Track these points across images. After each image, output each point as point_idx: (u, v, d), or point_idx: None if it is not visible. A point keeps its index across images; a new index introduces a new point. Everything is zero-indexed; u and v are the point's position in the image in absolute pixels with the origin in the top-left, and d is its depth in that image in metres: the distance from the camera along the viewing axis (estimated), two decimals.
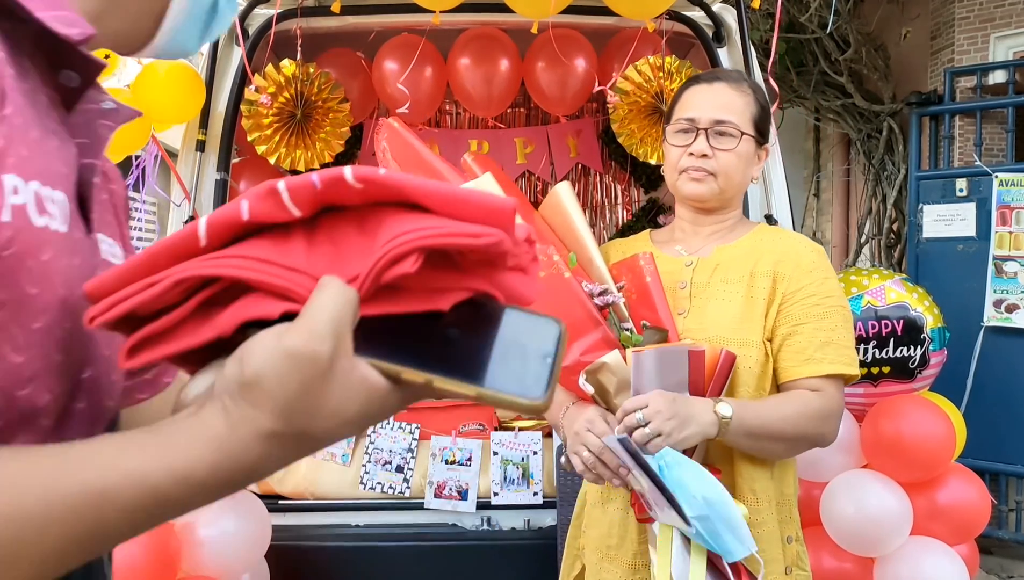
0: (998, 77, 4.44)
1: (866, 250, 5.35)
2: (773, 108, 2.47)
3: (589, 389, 1.36)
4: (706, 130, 1.47)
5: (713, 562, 1.25)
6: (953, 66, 4.59)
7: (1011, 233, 4.11)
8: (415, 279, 0.48)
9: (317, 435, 0.50)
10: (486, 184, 1.52)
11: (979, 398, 4.13)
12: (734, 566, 1.24)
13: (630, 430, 1.25)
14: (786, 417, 1.36)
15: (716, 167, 1.48)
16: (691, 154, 1.48)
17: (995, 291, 4.13)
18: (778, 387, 1.44)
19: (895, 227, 5.12)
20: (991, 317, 4.14)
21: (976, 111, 4.42)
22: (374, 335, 0.49)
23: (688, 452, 1.31)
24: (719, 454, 1.40)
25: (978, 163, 4.24)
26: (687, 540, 1.26)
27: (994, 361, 4.12)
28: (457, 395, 0.48)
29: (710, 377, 1.34)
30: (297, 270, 0.49)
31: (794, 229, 2.74)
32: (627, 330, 1.42)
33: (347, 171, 0.49)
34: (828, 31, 4.53)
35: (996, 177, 4.09)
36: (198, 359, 0.51)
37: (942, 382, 4.01)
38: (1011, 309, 4.12)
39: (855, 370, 1.43)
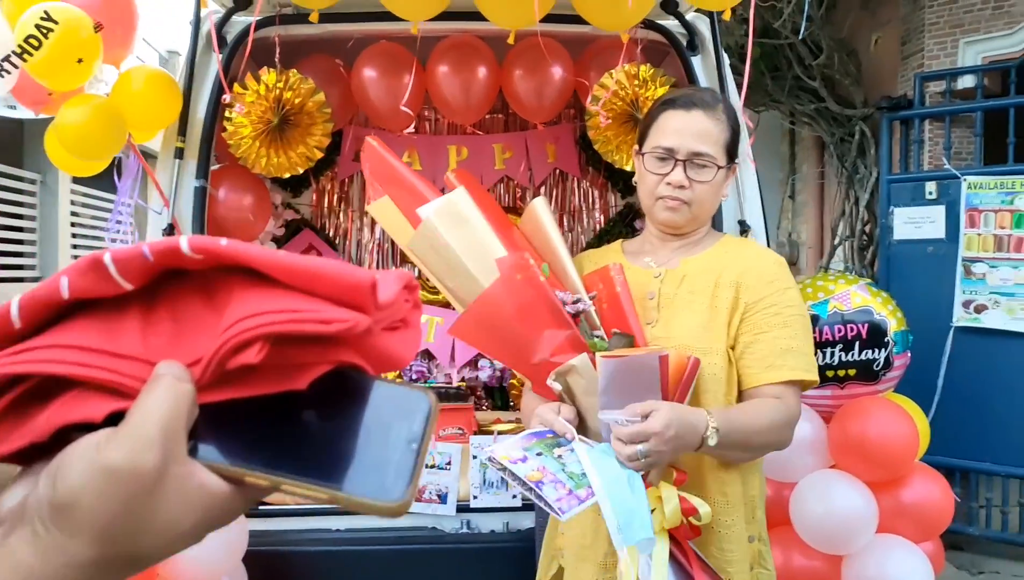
0: (967, 82, 4.52)
1: (840, 252, 5.43)
2: (744, 117, 2.53)
3: (557, 387, 1.42)
4: (684, 161, 1.52)
5: (674, 554, 1.31)
6: (923, 71, 4.66)
7: (979, 235, 4.19)
8: (274, 360, 0.42)
9: (147, 555, 0.43)
10: (458, 199, 1.56)
11: (949, 397, 4.22)
12: (696, 560, 1.29)
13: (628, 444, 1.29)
14: (760, 429, 1.42)
15: (691, 197, 1.53)
16: (669, 184, 1.53)
17: (964, 292, 4.22)
18: (740, 392, 1.50)
19: (868, 229, 5.20)
20: (960, 317, 4.22)
21: (945, 115, 4.49)
22: (216, 427, 0.43)
23: None
24: (687, 459, 1.46)
25: (947, 166, 4.33)
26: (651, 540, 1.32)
27: (964, 361, 4.21)
28: (309, 498, 0.43)
29: (676, 382, 1.39)
30: (129, 357, 0.43)
31: (767, 232, 2.80)
32: (598, 337, 1.48)
33: (183, 241, 0.43)
34: (801, 37, 4.59)
35: (965, 180, 4.18)
36: (23, 456, 0.43)
37: (913, 382, 4.10)
38: (980, 309, 4.20)
39: (814, 376, 1.49)
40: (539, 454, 1.32)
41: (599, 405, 1.37)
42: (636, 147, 1.67)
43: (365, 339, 0.44)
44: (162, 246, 0.43)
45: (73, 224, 8.88)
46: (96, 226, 9.78)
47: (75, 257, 8.94)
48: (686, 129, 1.54)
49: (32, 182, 8.16)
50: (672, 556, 1.32)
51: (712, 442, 1.32)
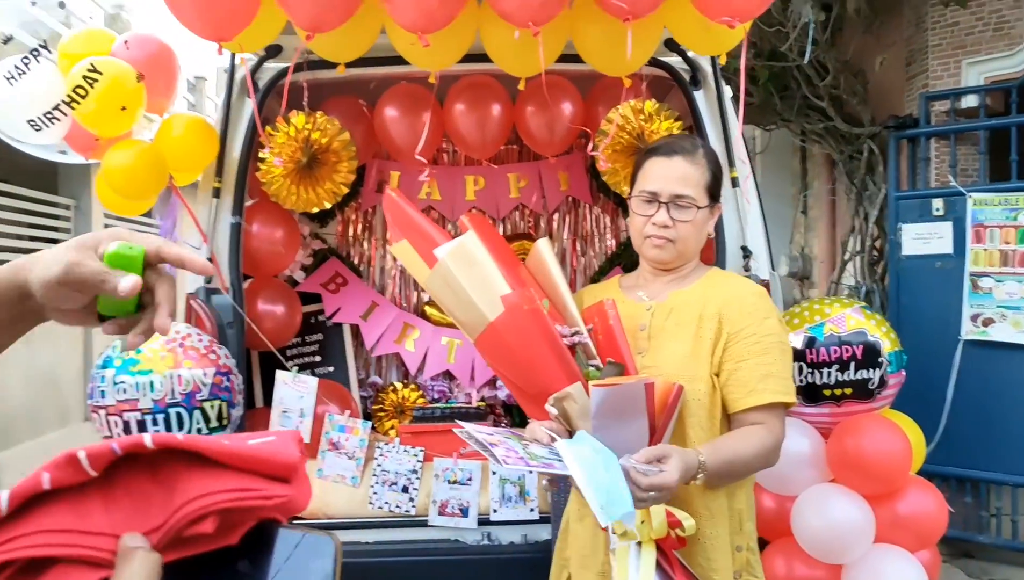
0: (971, 101, 4.61)
1: (850, 266, 5.53)
2: (740, 122, 2.68)
3: (554, 412, 1.59)
4: (667, 203, 1.69)
5: (660, 563, 1.46)
6: (928, 91, 4.76)
7: (986, 250, 4.29)
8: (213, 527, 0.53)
9: None
10: (469, 242, 1.74)
11: (959, 408, 4.30)
12: (680, 569, 1.45)
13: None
14: (746, 462, 1.59)
15: (676, 235, 1.70)
16: (654, 224, 1.70)
17: (972, 306, 4.31)
18: (728, 417, 1.65)
19: (877, 244, 5.29)
20: (969, 331, 4.31)
21: (951, 134, 4.58)
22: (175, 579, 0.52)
23: None
24: None
25: (953, 184, 4.42)
26: (639, 546, 1.47)
27: (973, 373, 4.29)
28: None
29: (661, 408, 1.56)
30: (98, 533, 0.51)
31: (772, 256, 2.94)
32: (594, 366, 1.65)
33: (147, 438, 0.53)
34: (806, 60, 4.72)
35: (970, 197, 4.27)
36: None
37: (923, 394, 4.23)
38: (987, 323, 4.29)
39: (792, 398, 1.65)
40: (507, 438, 1.50)
41: (591, 427, 1.54)
42: (628, 191, 1.84)
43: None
44: (129, 442, 0.53)
45: None
46: None
47: None
48: (668, 174, 1.71)
49: (66, 208, 8.43)
50: (658, 565, 1.47)
51: (700, 479, 1.48)
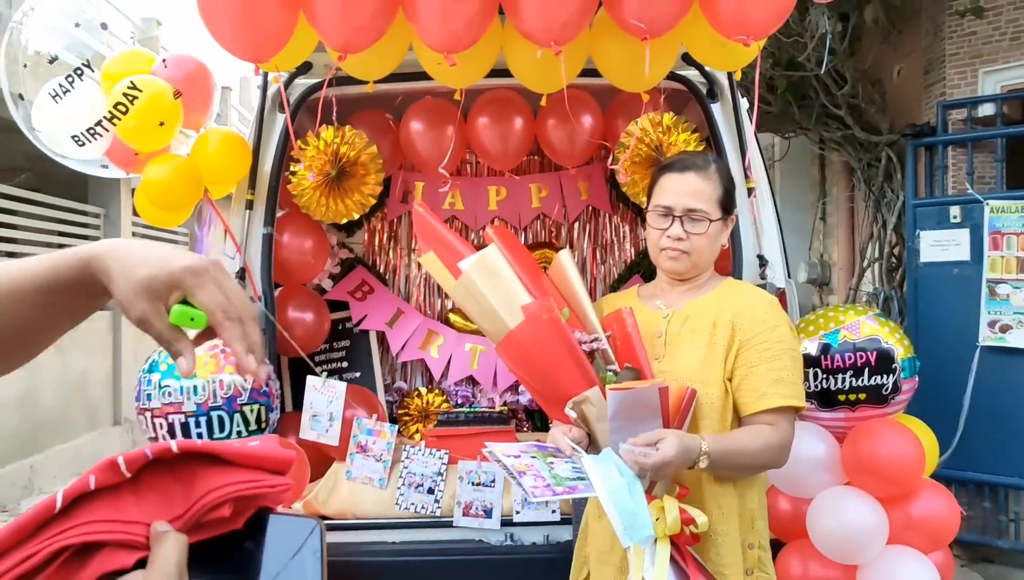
0: (987, 110, 4.65)
1: (869, 272, 5.56)
2: (754, 133, 2.75)
3: (573, 415, 1.67)
4: (680, 217, 1.78)
5: (675, 558, 1.55)
6: (945, 99, 4.81)
7: (1003, 257, 4.32)
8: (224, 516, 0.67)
9: None
10: (491, 254, 1.83)
11: (977, 414, 4.33)
12: (693, 563, 1.53)
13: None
14: (750, 453, 1.66)
15: (689, 247, 1.79)
16: (669, 237, 1.78)
17: (989, 312, 4.34)
18: (740, 420, 1.73)
19: (896, 251, 5.32)
20: (986, 337, 4.34)
21: (968, 142, 4.62)
22: (196, 557, 0.64)
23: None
24: (688, 475, 1.70)
25: (970, 191, 4.47)
26: (654, 542, 1.56)
27: (990, 379, 4.32)
28: None
29: (675, 410, 1.64)
30: (133, 522, 0.63)
31: (788, 263, 3.00)
32: (612, 370, 1.74)
33: (173, 444, 0.65)
34: (823, 71, 4.79)
35: (987, 204, 4.31)
36: None
37: (941, 399, 4.27)
38: (1004, 329, 4.33)
39: (802, 402, 1.73)
40: (533, 457, 1.59)
41: (609, 430, 1.62)
42: (646, 202, 1.93)
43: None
44: (158, 448, 0.65)
45: None
46: None
47: None
48: (681, 189, 1.80)
49: (96, 216, 8.62)
50: (672, 559, 1.56)
51: (703, 464, 1.56)
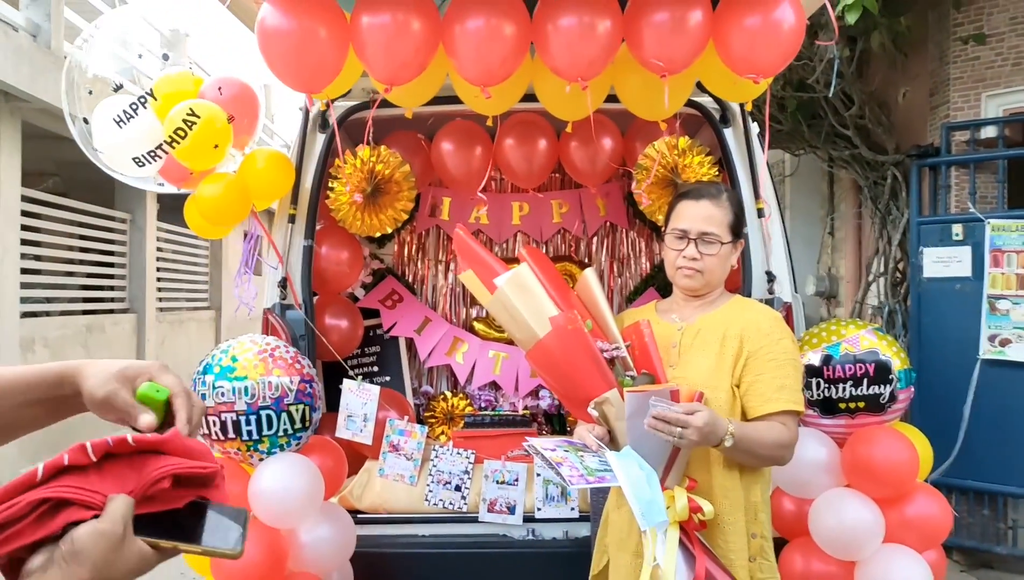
0: (989, 132, 4.82)
1: (875, 287, 5.74)
2: (765, 157, 2.94)
3: (595, 414, 1.89)
4: (695, 240, 1.99)
5: (684, 543, 1.75)
6: (949, 121, 4.99)
7: (1003, 274, 4.50)
8: (166, 493, 0.86)
9: (115, 578, 0.81)
10: (523, 272, 2.05)
11: (977, 424, 4.51)
12: (700, 547, 1.74)
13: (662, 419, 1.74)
14: (766, 444, 1.88)
15: (703, 266, 2.00)
16: (684, 257, 2.00)
17: (989, 326, 4.52)
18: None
19: (900, 266, 5.50)
20: (986, 350, 4.52)
21: (970, 163, 4.80)
22: (143, 524, 0.84)
23: (671, 458, 1.83)
24: (696, 467, 1.92)
25: (972, 210, 4.65)
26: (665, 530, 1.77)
27: (990, 391, 4.49)
28: (189, 552, 0.86)
29: None
30: (95, 491, 0.82)
31: (794, 278, 3.19)
32: (630, 375, 1.95)
33: (129, 437, 0.86)
34: (831, 93, 4.98)
35: (989, 223, 4.50)
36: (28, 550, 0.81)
37: (942, 410, 4.45)
38: (1004, 343, 4.50)
39: (801, 407, 1.95)
40: (566, 451, 1.80)
41: (626, 428, 1.83)
42: (662, 220, 2.14)
43: (206, 489, 0.91)
44: (117, 439, 0.86)
45: (158, 258, 9.57)
46: (177, 259, 10.52)
47: (159, 288, 9.63)
48: (696, 215, 2.02)
49: (123, 221, 8.84)
50: (682, 543, 1.77)
51: (728, 443, 1.77)
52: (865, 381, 2.65)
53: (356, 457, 3.13)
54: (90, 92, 2.86)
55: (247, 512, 0.93)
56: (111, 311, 8.64)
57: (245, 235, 3.14)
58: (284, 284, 3.06)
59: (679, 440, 1.74)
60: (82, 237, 8.16)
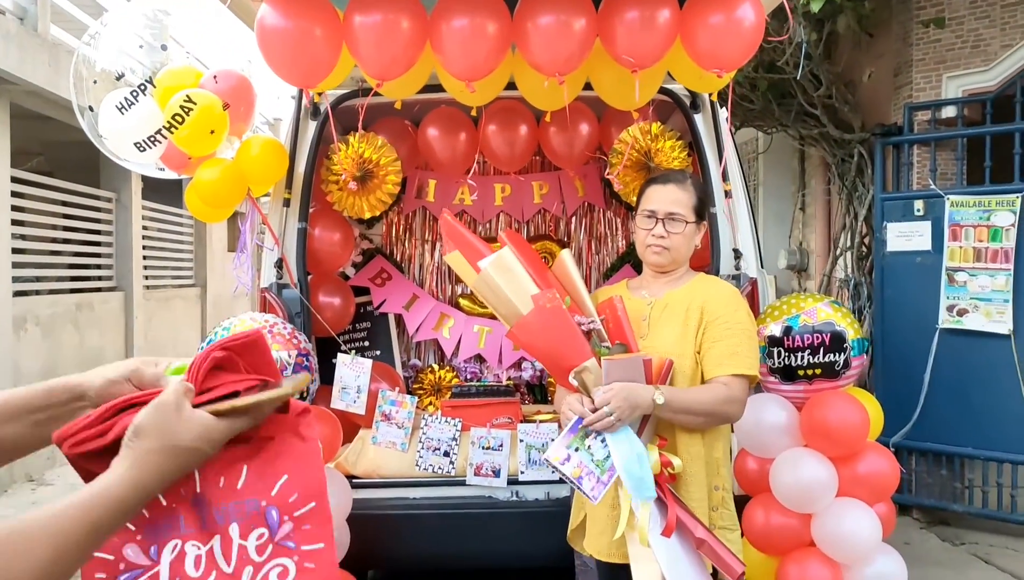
0: (950, 112, 5.03)
1: (842, 260, 5.97)
2: (728, 124, 3.13)
3: (575, 382, 2.09)
4: (663, 219, 2.20)
5: (657, 494, 1.98)
6: (911, 102, 5.19)
7: (961, 247, 4.72)
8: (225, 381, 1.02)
9: (183, 445, 0.92)
10: (506, 254, 2.25)
11: (936, 390, 4.75)
12: (671, 496, 1.98)
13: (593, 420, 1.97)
14: (702, 402, 2.10)
15: (670, 244, 2.21)
16: (653, 235, 2.21)
17: (948, 297, 4.75)
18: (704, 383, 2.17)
19: (866, 241, 5.72)
20: (945, 320, 4.75)
21: (931, 141, 5.00)
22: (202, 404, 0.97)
23: (643, 422, 2.05)
24: (664, 427, 2.15)
25: (933, 187, 4.87)
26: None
27: (948, 358, 4.73)
28: (245, 406, 0.98)
29: (657, 376, 2.08)
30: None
31: (760, 252, 3.40)
32: (605, 346, 2.16)
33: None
34: (799, 76, 5.17)
35: (948, 199, 4.72)
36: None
37: (903, 376, 4.70)
38: (962, 313, 4.74)
39: (754, 372, 2.16)
40: (576, 449, 2.00)
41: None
42: (633, 212, 2.35)
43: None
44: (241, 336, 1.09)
45: (144, 237, 9.65)
46: (163, 237, 10.61)
47: (146, 266, 9.73)
48: (664, 197, 2.23)
49: (108, 200, 8.89)
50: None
51: (660, 401, 2.00)
52: (822, 350, 2.87)
53: (351, 426, 3.31)
54: (95, 82, 3.02)
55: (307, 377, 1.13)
56: (99, 289, 8.74)
57: (235, 216, 3.30)
58: (280, 264, 3.23)
59: (618, 421, 1.97)
60: (68, 216, 8.22)
